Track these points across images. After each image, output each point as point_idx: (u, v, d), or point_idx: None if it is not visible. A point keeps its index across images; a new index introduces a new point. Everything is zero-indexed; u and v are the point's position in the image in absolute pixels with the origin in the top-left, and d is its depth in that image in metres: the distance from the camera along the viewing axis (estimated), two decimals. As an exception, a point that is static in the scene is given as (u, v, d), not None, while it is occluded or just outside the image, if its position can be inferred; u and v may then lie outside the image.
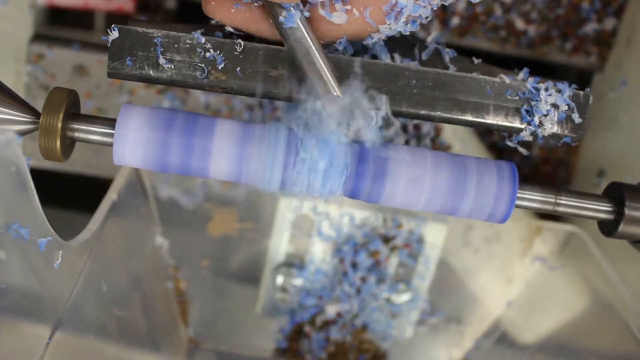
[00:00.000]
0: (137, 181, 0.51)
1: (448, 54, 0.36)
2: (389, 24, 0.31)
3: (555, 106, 0.33)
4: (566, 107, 0.33)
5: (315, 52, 0.31)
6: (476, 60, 0.35)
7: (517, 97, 0.33)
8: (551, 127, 0.33)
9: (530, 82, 0.33)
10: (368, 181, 0.33)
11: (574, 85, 0.34)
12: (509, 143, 0.34)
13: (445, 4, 0.32)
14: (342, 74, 0.32)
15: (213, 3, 0.32)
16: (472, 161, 0.34)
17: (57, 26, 0.62)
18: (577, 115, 0.33)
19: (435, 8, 0.32)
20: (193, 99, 0.59)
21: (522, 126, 0.33)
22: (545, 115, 0.33)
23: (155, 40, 0.32)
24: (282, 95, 0.33)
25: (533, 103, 0.33)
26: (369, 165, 0.32)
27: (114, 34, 0.32)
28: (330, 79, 0.31)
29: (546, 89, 0.33)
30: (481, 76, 0.33)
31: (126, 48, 0.32)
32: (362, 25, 0.31)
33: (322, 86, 0.31)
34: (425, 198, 0.33)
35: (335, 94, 0.31)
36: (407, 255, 0.54)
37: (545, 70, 0.64)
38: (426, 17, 0.32)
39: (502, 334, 0.59)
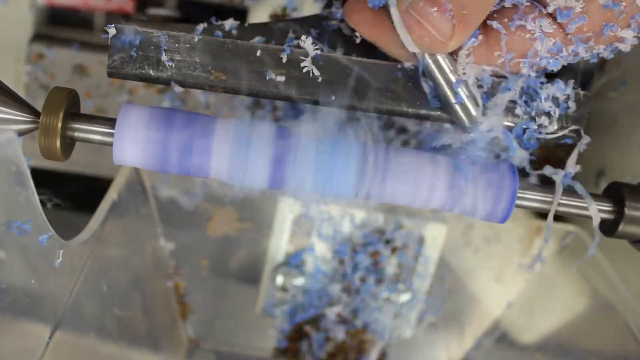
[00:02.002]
0: (137, 181, 0.51)
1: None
2: (523, 71, 0.32)
3: (555, 105, 0.33)
4: (566, 107, 0.33)
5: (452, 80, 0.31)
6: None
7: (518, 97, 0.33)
8: (551, 127, 0.33)
9: (531, 81, 0.33)
10: (368, 181, 0.33)
11: (574, 85, 0.34)
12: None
13: (573, 61, 0.32)
14: (340, 76, 0.32)
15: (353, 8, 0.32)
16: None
17: (57, 26, 0.62)
18: (578, 115, 0.33)
19: (565, 64, 0.32)
20: (193, 99, 0.59)
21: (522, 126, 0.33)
22: (546, 115, 0.33)
23: (156, 40, 0.32)
24: (282, 95, 0.33)
25: (533, 103, 0.33)
26: (369, 165, 0.32)
27: (115, 33, 0.32)
28: (471, 106, 0.32)
29: (546, 89, 0.33)
30: (481, 76, 0.33)
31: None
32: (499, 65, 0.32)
33: (463, 111, 0.32)
34: (425, 198, 0.33)
35: (476, 120, 0.32)
36: (407, 256, 0.54)
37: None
38: (552, 70, 0.32)
39: (502, 334, 0.59)
